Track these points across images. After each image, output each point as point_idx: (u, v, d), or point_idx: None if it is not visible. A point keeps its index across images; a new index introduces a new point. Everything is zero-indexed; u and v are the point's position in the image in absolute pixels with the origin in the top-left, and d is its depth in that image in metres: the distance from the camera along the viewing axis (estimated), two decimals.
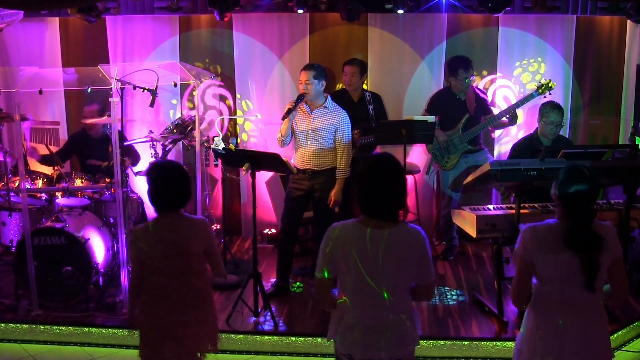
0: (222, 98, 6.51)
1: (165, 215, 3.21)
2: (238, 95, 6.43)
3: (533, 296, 2.87)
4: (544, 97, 5.30)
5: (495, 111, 5.97)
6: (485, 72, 6.29)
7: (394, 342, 2.69)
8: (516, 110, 5.56)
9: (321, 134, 4.89)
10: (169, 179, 3.19)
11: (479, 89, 5.92)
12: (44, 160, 5.68)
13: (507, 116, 5.57)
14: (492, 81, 6.30)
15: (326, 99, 4.95)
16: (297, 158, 5.05)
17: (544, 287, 2.81)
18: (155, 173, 3.22)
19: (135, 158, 5.79)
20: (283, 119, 4.89)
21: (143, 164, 5.92)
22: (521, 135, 6.03)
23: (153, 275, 3.16)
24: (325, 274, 2.72)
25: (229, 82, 6.45)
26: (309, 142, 4.94)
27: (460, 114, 5.63)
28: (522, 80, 6.26)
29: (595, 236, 2.71)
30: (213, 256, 3.29)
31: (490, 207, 4.75)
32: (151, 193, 3.20)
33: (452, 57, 5.86)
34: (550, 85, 5.28)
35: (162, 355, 3.17)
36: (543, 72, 6.21)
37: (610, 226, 2.80)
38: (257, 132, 6.49)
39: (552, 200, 4.94)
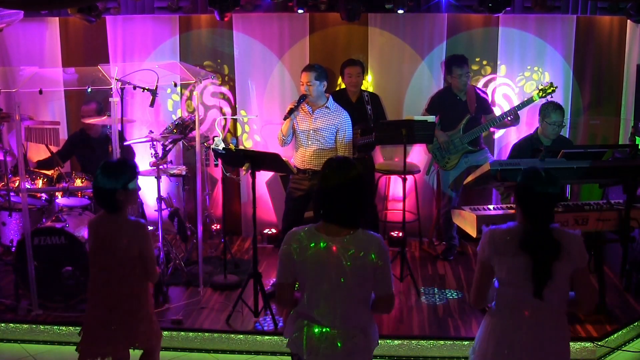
0: (224, 97, 6.51)
1: (107, 213, 3.27)
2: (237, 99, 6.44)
3: (494, 297, 2.86)
4: (546, 99, 5.31)
5: (496, 111, 5.98)
6: (485, 72, 6.29)
7: (344, 354, 2.67)
8: (518, 111, 5.57)
9: (322, 134, 4.90)
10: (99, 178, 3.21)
11: (480, 89, 5.92)
12: (41, 165, 5.68)
13: (510, 117, 5.59)
14: (492, 79, 6.29)
15: (327, 100, 4.95)
16: (297, 158, 5.05)
17: (500, 289, 2.78)
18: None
19: (131, 157, 5.79)
20: (285, 119, 4.89)
21: (142, 164, 5.92)
22: (523, 134, 6.02)
23: (90, 267, 3.31)
24: (282, 278, 2.73)
25: (229, 82, 6.45)
26: (310, 142, 4.94)
27: (461, 114, 5.63)
28: (525, 89, 6.25)
29: (552, 242, 2.66)
30: (145, 261, 3.26)
31: (490, 207, 4.75)
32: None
33: (448, 56, 5.87)
34: (550, 90, 5.30)
35: (92, 349, 3.25)
36: (547, 80, 6.21)
37: (576, 235, 2.75)
38: (257, 132, 6.49)
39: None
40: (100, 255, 3.26)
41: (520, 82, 6.28)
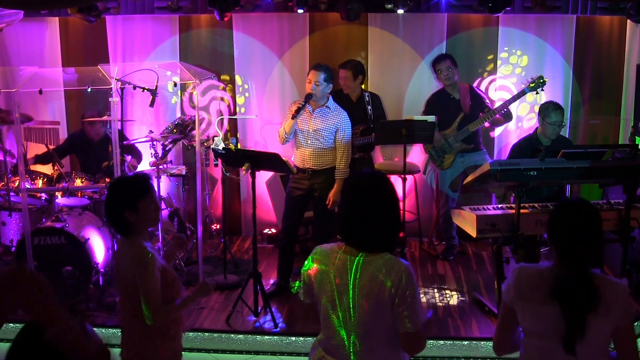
0: (222, 98, 6.51)
1: (122, 237, 2.89)
2: (238, 96, 6.43)
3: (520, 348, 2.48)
4: (537, 92, 5.30)
5: None
6: (485, 72, 6.29)
7: None
8: (509, 107, 5.55)
9: (322, 134, 4.90)
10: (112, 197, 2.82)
11: (476, 87, 5.92)
12: (38, 160, 5.68)
13: (503, 111, 5.54)
14: (492, 79, 6.29)
15: (328, 99, 4.95)
16: (296, 157, 5.05)
17: (525, 341, 2.41)
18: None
19: (138, 157, 5.80)
20: (293, 117, 4.88)
21: (142, 164, 5.92)
22: (523, 134, 6.02)
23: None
24: (302, 296, 2.51)
25: (228, 82, 6.45)
26: (309, 142, 4.94)
27: (455, 113, 5.63)
28: (502, 72, 6.25)
29: (589, 290, 2.24)
30: (141, 296, 2.76)
31: (490, 207, 4.75)
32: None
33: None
34: (540, 82, 5.27)
35: None
36: (524, 65, 6.21)
37: (621, 285, 2.30)
38: (257, 132, 6.49)
39: (553, 200, 4.96)
40: (119, 283, 2.94)
41: (520, 81, 6.27)
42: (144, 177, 2.87)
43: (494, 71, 6.28)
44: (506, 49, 6.23)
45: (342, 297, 2.32)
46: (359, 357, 2.33)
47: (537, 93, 5.32)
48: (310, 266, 2.42)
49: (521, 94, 5.38)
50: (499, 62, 6.25)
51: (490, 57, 6.25)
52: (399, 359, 2.38)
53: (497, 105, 5.78)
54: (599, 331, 2.26)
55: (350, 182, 2.46)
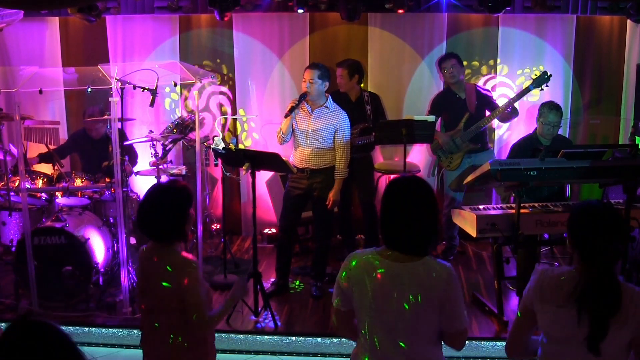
0: (223, 98, 6.52)
1: (152, 242, 2.81)
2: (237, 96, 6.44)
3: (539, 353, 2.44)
4: (542, 89, 5.29)
5: None
6: (485, 72, 6.29)
7: None
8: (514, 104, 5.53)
9: (321, 133, 4.89)
10: (154, 202, 2.75)
11: (481, 87, 5.92)
12: (42, 158, 5.68)
13: (509, 109, 5.52)
14: (492, 79, 6.29)
15: (327, 99, 4.95)
16: (296, 157, 5.05)
17: (544, 346, 2.38)
18: (148, 192, 2.80)
19: (133, 157, 5.79)
20: (286, 116, 4.89)
21: (142, 164, 5.92)
22: (523, 134, 6.02)
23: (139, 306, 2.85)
24: (339, 304, 2.42)
25: (229, 82, 6.45)
26: (308, 142, 4.94)
27: (460, 112, 5.62)
28: (502, 72, 6.27)
29: (612, 295, 2.20)
30: (192, 306, 2.68)
31: (490, 207, 4.75)
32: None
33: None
34: (543, 77, 5.24)
35: None
36: (515, 67, 6.24)
37: (638, 291, 2.23)
38: (257, 132, 6.49)
39: (553, 200, 4.96)
40: (144, 294, 2.81)
41: (520, 81, 6.27)
42: (188, 186, 2.84)
43: (494, 71, 6.27)
44: (509, 51, 6.23)
45: (388, 303, 2.30)
46: (409, 358, 2.32)
47: (542, 89, 5.30)
48: (349, 275, 2.37)
49: (526, 90, 5.35)
50: (498, 61, 6.25)
51: (490, 56, 6.25)
52: (440, 356, 2.41)
53: (500, 103, 5.77)
54: (616, 339, 2.21)
55: (395, 188, 2.40)
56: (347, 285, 2.37)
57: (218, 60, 6.42)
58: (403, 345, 2.30)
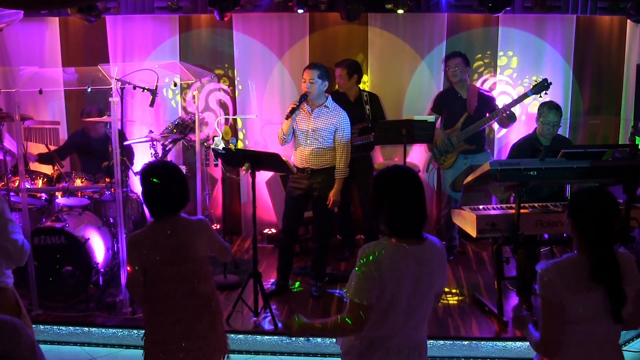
0: (223, 99, 6.51)
1: (164, 219, 3.01)
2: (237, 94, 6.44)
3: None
4: (540, 96, 5.29)
5: None
6: (484, 72, 6.29)
7: None
8: (512, 110, 5.53)
9: (321, 133, 4.89)
10: (169, 181, 2.99)
11: (484, 89, 5.92)
12: (42, 159, 5.68)
13: (507, 113, 5.52)
14: (492, 79, 6.29)
15: (327, 99, 4.95)
16: (296, 157, 5.05)
17: (570, 329, 2.50)
18: (152, 175, 2.99)
19: (130, 157, 5.79)
20: (287, 118, 4.89)
21: (140, 164, 5.92)
22: (523, 134, 6.02)
23: (155, 284, 2.96)
24: (370, 299, 2.41)
25: (228, 82, 6.45)
26: (308, 142, 4.94)
27: (460, 112, 5.63)
28: (502, 72, 6.26)
29: (618, 264, 2.45)
30: (218, 246, 3.25)
31: (490, 207, 4.75)
32: (149, 197, 3.01)
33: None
34: (545, 84, 5.25)
35: None
36: (524, 65, 6.23)
37: (627, 254, 2.53)
38: (257, 132, 6.49)
39: (553, 200, 4.95)
40: (173, 266, 2.98)
41: (520, 81, 6.27)
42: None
43: (493, 71, 6.28)
44: (509, 51, 6.24)
45: (417, 284, 2.44)
46: (423, 328, 2.58)
47: (540, 96, 5.29)
48: (382, 266, 2.39)
49: (523, 96, 5.37)
50: (498, 61, 6.25)
51: (490, 57, 6.26)
52: None
53: (501, 103, 5.77)
54: (629, 297, 2.45)
55: (400, 177, 2.51)
56: (382, 276, 2.39)
57: (218, 60, 6.41)
58: (418, 327, 2.52)
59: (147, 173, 3.01)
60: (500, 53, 6.24)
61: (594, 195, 2.50)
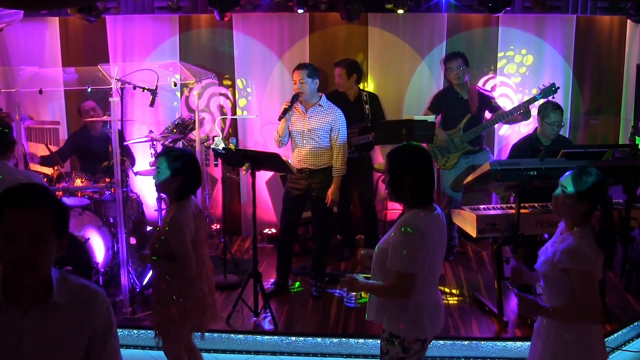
0: (223, 98, 6.52)
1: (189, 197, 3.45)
2: (237, 95, 6.44)
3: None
4: (547, 99, 5.29)
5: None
6: (484, 72, 6.30)
7: (443, 316, 2.98)
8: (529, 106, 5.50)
9: (317, 133, 4.90)
10: (197, 165, 3.46)
11: (483, 89, 5.91)
12: (44, 161, 5.68)
13: (521, 111, 5.50)
14: (492, 79, 6.30)
15: (320, 98, 4.95)
16: (293, 158, 5.05)
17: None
18: (195, 159, 3.46)
19: (132, 159, 5.79)
20: (280, 119, 4.90)
21: (142, 164, 5.92)
22: (523, 134, 6.02)
23: (200, 249, 3.40)
24: (418, 267, 2.72)
25: (229, 82, 6.45)
26: (305, 142, 4.94)
27: (462, 113, 5.62)
28: (507, 71, 6.26)
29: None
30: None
31: (490, 207, 4.75)
32: (196, 179, 3.42)
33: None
34: (553, 89, 5.25)
35: (202, 329, 3.52)
36: (529, 64, 6.22)
37: None
38: (257, 132, 6.49)
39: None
40: (203, 231, 3.48)
41: (520, 81, 6.27)
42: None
43: (494, 71, 6.28)
44: (511, 47, 6.24)
45: (441, 249, 2.86)
46: (439, 301, 2.93)
47: (547, 100, 5.29)
48: (426, 235, 2.71)
49: (532, 100, 5.36)
50: (498, 62, 6.25)
51: (490, 56, 6.26)
52: None
53: (501, 106, 5.77)
54: None
55: (414, 152, 2.83)
56: (426, 243, 2.71)
57: (218, 60, 6.41)
58: (437, 284, 2.92)
59: (190, 157, 3.40)
60: (500, 54, 6.24)
61: (589, 169, 2.90)
